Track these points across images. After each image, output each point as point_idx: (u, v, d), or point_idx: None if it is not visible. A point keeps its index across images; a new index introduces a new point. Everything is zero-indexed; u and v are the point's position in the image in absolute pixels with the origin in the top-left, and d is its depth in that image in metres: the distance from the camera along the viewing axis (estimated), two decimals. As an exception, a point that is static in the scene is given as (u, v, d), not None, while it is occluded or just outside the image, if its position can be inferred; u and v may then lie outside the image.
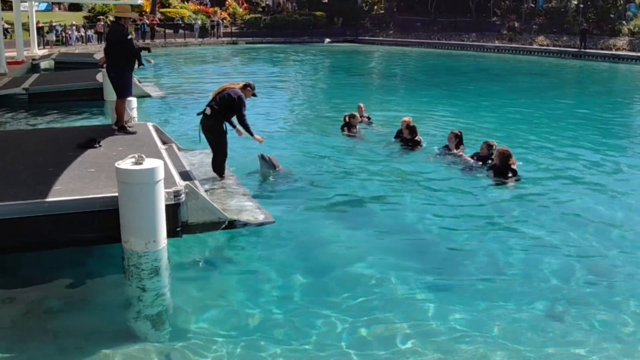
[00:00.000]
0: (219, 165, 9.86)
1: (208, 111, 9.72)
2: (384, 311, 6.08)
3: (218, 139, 9.79)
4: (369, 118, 15.36)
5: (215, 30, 54.96)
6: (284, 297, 6.35)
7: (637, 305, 6.33)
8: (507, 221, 8.73)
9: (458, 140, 12.07)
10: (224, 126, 9.80)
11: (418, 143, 12.65)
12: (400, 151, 12.52)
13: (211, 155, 10.01)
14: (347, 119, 14.19)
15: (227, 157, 9.95)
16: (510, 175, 10.38)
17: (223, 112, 9.70)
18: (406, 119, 13.29)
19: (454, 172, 11.00)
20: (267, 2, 65.16)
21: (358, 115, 14.45)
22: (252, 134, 9.96)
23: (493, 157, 10.87)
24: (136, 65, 10.95)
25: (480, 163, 11.07)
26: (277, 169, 10.64)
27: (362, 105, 15.40)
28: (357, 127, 14.20)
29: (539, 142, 14.33)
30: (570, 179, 11.06)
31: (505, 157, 10.44)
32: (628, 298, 6.47)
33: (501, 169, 10.43)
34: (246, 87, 9.98)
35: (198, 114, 9.94)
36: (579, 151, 13.50)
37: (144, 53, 11.09)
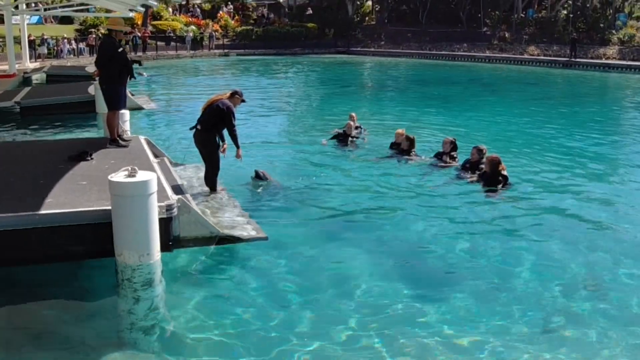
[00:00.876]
0: (211, 179, 9.83)
1: (199, 126, 9.71)
2: (378, 325, 6.05)
3: (210, 152, 9.77)
4: (359, 127, 15.29)
5: (209, 42, 55.00)
6: (276, 312, 6.31)
7: (632, 314, 6.35)
8: (499, 230, 8.75)
9: (452, 146, 12.12)
10: (217, 140, 9.78)
11: (413, 154, 12.65)
12: (396, 162, 12.53)
13: (203, 169, 9.99)
14: (346, 128, 14.24)
15: (220, 170, 9.93)
16: (501, 181, 10.42)
17: (214, 125, 9.69)
18: (401, 130, 13.35)
19: (447, 182, 11.01)
20: (260, 13, 65.20)
21: (352, 124, 14.41)
22: (238, 147, 9.89)
23: (482, 162, 10.91)
24: (128, 78, 10.95)
25: (470, 173, 11.09)
26: (269, 181, 10.64)
27: (354, 114, 15.41)
28: (352, 135, 14.19)
29: (530, 150, 14.41)
30: (561, 186, 11.14)
31: (495, 164, 10.50)
32: (623, 307, 6.49)
33: (491, 176, 10.48)
34: (234, 95, 9.92)
35: (190, 129, 9.93)
36: (570, 158, 13.61)
37: (135, 66, 11.09)
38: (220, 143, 9.84)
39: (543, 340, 5.80)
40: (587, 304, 6.61)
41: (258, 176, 10.70)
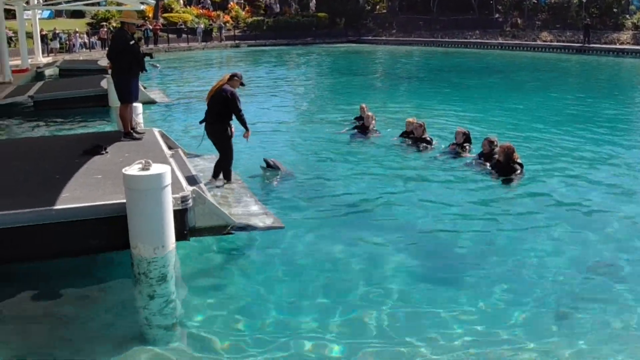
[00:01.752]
0: (226, 169, 9.84)
1: (209, 118, 9.72)
2: (397, 317, 6.05)
3: (223, 142, 9.77)
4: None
5: (219, 33, 54.98)
6: (294, 301, 6.32)
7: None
8: (514, 220, 8.69)
9: (465, 137, 12.06)
10: (229, 129, 9.78)
11: (429, 142, 12.60)
12: (409, 151, 12.48)
13: (216, 160, 9.99)
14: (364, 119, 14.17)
15: (233, 160, 9.93)
16: (516, 170, 10.36)
17: (221, 113, 9.67)
18: (412, 119, 13.32)
19: (462, 172, 10.94)
20: (269, 2, 64.95)
21: (370, 116, 14.34)
22: (247, 129, 9.82)
23: (495, 153, 10.84)
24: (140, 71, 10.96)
25: (484, 163, 11.02)
26: (281, 171, 10.62)
27: (364, 105, 15.35)
28: (371, 127, 14.11)
29: (545, 137, 14.31)
30: (575, 174, 11.03)
31: (509, 153, 10.42)
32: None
33: (505, 165, 10.41)
34: (233, 78, 9.83)
35: (200, 122, 9.93)
36: (587, 146, 13.47)
37: (147, 59, 11.08)
38: (231, 131, 9.81)
39: (559, 327, 5.77)
40: (599, 287, 6.62)
41: (268, 165, 10.67)
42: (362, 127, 14.13)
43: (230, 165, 9.86)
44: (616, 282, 6.76)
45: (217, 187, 9.56)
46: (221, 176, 9.83)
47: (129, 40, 10.63)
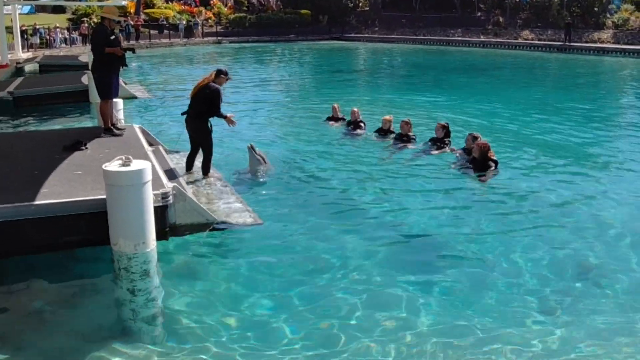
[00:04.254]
0: (205, 164, 9.91)
1: (192, 112, 9.73)
2: (376, 311, 6.07)
3: (204, 138, 9.80)
4: (343, 119, 15.02)
5: (199, 29, 54.73)
6: (272, 299, 6.34)
7: (626, 299, 6.39)
8: (491, 216, 8.77)
9: (445, 131, 12.14)
10: (209, 125, 9.79)
11: (411, 139, 12.64)
12: (391, 147, 12.53)
13: (200, 157, 10.01)
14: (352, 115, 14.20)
15: (213, 155, 9.98)
16: (491, 167, 10.50)
17: (205, 111, 9.68)
18: (389, 117, 13.40)
19: (442, 169, 11.01)
20: (252, 0, 64.92)
21: (357, 111, 14.29)
22: (225, 117, 9.83)
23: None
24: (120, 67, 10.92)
25: (465, 159, 11.14)
26: (265, 164, 10.60)
27: (336, 105, 15.37)
28: (362, 125, 14.05)
29: (522, 134, 14.47)
30: (553, 171, 11.17)
31: (484, 150, 10.55)
32: (618, 293, 6.53)
33: (481, 161, 10.54)
34: (219, 75, 9.84)
35: (182, 114, 9.93)
36: (563, 143, 13.65)
37: (129, 54, 11.04)
38: (210, 126, 9.84)
39: (541, 325, 5.84)
40: (581, 284, 6.68)
41: (254, 151, 10.55)
42: (350, 123, 14.16)
43: (210, 160, 9.92)
44: (601, 280, 6.83)
45: (193, 181, 9.56)
46: (198, 170, 9.92)
47: (109, 35, 10.59)
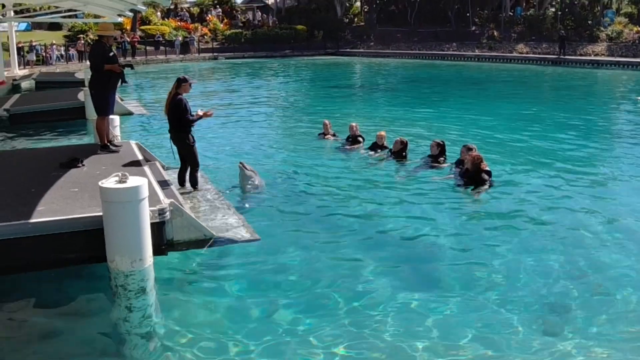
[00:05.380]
0: (192, 176, 10.00)
1: (171, 126, 9.83)
2: (372, 326, 6.07)
3: (188, 150, 9.89)
4: (334, 135, 15.09)
5: (195, 46, 54.89)
6: (270, 315, 6.32)
7: (620, 306, 6.41)
8: (481, 227, 8.82)
9: (440, 149, 12.13)
10: (191, 136, 9.85)
11: (404, 157, 12.63)
12: (385, 163, 12.54)
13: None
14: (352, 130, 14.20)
15: (200, 166, 10.14)
16: (485, 178, 10.53)
17: (181, 120, 9.72)
18: (382, 133, 13.43)
19: (437, 183, 11.01)
20: (247, 17, 65.20)
21: (355, 126, 14.31)
22: (200, 117, 9.94)
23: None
24: (119, 83, 10.95)
25: (460, 172, 11.16)
26: (256, 179, 10.56)
27: (327, 122, 15.39)
28: (360, 139, 14.05)
29: (517, 147, 14.52)
30: (548, 183, 11.16)
31: (477, 162, 10.57)
32: (613, 300, 6.54)
33: (474, 174, 10.56)
34: (180, 84, 9.80)
35: (169, 131, 10.02)
36: (558, 155, 13.68)
37: (127, 70, 11.09)
38: (192, 138, 9.91)
39: (534, 333, 5.83)
40: (578, 295, 6.67)
41: (245, 168, 10.57)
42: (348, 138, 14.17)
43: (197, 172, 10.02)
44: (591, 286, 6.88)
45: (188, 196, 9.57)
46: (188, 184, 10.02)
47: (107, 52, 10.63)
